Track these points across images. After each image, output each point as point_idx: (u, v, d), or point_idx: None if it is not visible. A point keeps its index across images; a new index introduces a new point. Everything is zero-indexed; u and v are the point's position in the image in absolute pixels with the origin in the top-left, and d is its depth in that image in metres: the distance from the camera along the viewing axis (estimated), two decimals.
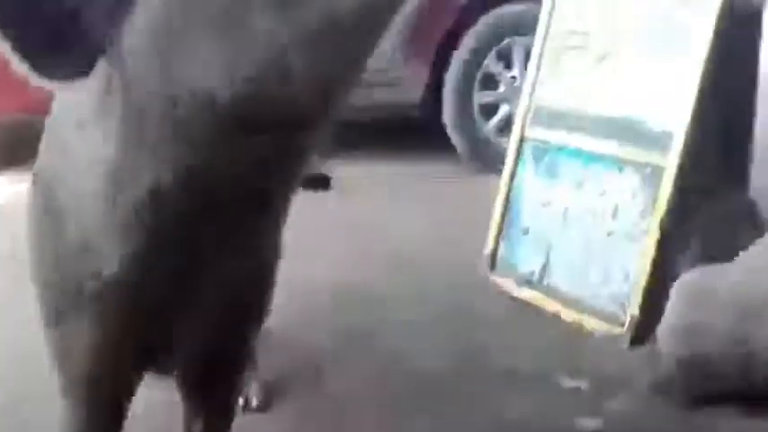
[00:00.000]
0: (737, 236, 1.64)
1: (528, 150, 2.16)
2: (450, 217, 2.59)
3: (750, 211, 1.83)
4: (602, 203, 1.91)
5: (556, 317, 1.94)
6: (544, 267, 2.03)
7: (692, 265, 1.62)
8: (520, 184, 2.15)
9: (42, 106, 0.99)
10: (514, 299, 2.06)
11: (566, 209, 2.00)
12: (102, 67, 0.74)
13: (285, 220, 0.92)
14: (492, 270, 2.16)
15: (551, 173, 2.07)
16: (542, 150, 2.11)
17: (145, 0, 0.71)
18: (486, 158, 3.11)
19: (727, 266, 1.47)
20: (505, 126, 3.08)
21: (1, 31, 0.70)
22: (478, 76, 3.21)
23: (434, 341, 1.85)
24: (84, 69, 0.74)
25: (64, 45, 0.73)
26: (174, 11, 0.71)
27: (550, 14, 2.16)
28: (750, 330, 1.34)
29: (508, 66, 3.20)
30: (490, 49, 3.16)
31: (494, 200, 2.22)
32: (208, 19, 0.69)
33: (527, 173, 2.14)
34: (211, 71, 0.69)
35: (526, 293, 2.04)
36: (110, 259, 0.85)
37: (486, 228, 2.21)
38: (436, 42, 3.19)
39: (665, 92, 1.81)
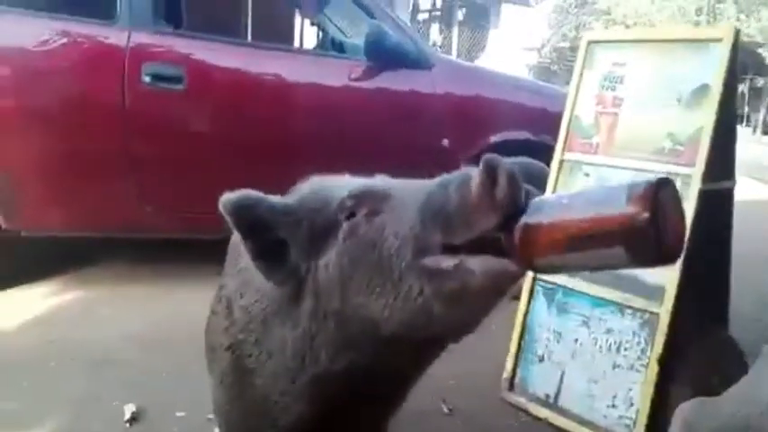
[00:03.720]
0: (723, 368, 2.04)
1: (540, 289, 2.53)
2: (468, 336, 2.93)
3: (732, 346, 2.26)
4: (608, 339, 2.28)
5: None
6: (558, 391, 2.38)
7: (687, 394, 2.01)
8: (534, 318, 2.51)
9: None
10: (530, 416, 2.39)
11: (576, 340, 2.38)
12: (297, 278, 1.07)
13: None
14: (510, 391, 2.49)
15: (562, 310, 2.43)
16: (552, 291, 2.49)
17: (334, 247, 1.03)
18: None
19: (719, 398, 1.86)
20: None
21: (242, 236, 1.06)
22: None
23: None
24: (285, 277, 1.08)
25: (273, 259, 1.07)
26: (349, 262, 1.00)
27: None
28: None
29: None
30: None
31: (501, 319, 2.57)
32: (370, 271, 0.96)
33: (540, 308, 2.50)
34: (376, 310, 0.96)
35: (541, 411, 2.38)
36: (286, 413, 1.16)
37: (499, 345, 2.55)
38: None
39: None
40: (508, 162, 0.84)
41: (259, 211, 1.05)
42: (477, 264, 0.86)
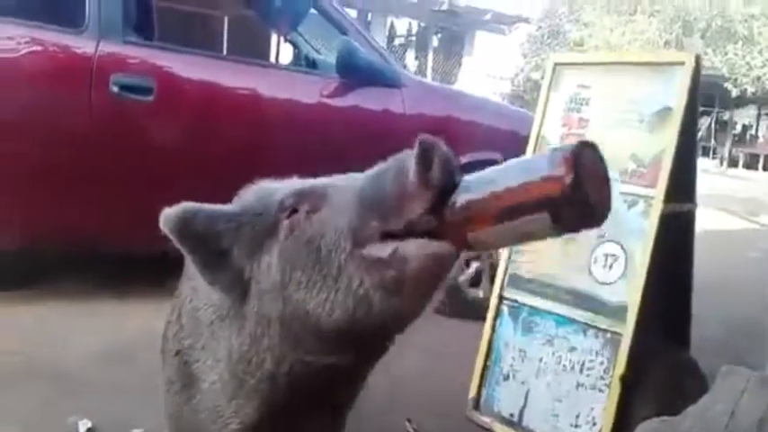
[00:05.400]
0: (685, 389, 2.05)
1: (506, 309, 2.53)
2: (433, 357, 2.93)
3: (694, 367, 2.28)
4: (572, 358, 2.29)
5: None
6: (522, 410, 2.37)
7: (648, 414, 2.01)
8: (500, 337, 2.51)
9: None
10: None
11: (540, 359, 2.38)
12: (241, 283, 1.06)
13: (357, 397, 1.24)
14: (475, 410, 2.48)
15: (527, 329, 2.44)
16: (518, 309, 2.49)
17: (275, 247, 1.02)
18: (457, 305, 3.49)
19: (678, 418, 1.86)
20: (476, 279, 3.58)
21: (184, 249, 1.05)
22: None
23: None
24: (230, 283, 1.07)
25: (217, 267, 1.06)
26: (289, 260, 0.99)
27: None
28: None
29: None
30: None
31: (466, 340, 2.59)
32: (310, 268, 0.96)
33: (506, 327, 2.50)
34: (317, 305, 0.95)
35: (506, 431, 2.36)
36: (236, 417, 1.15)
37: (464, 365, 2.55)
38: None
39: (620, 272, 2.27)
40: (443, 144, 0.85)
41: (199, 222, 1.05)
42: (412, 248, 0.86)
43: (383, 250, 0.88)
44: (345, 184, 1.01)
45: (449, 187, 0.85)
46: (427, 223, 0.85)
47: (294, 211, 1.01)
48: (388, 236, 0.88)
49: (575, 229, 0.83)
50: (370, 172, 0.97)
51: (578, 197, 0.77)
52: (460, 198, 0.85)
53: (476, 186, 0.85)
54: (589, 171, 0.79)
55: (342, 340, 0.99)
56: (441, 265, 0.89)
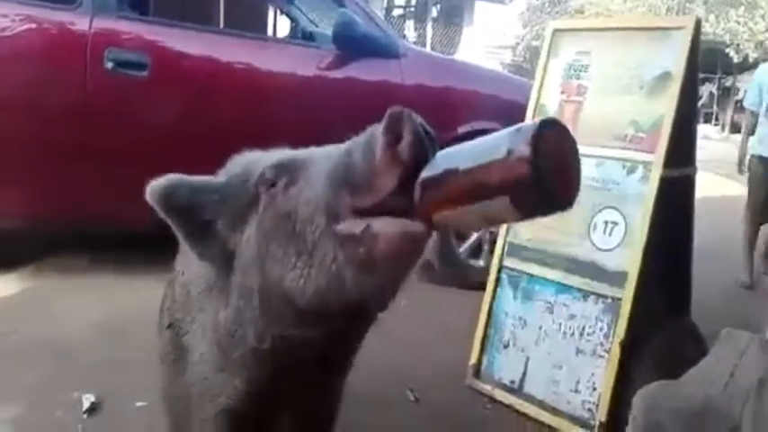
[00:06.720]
0: (685, 353, 2.07)
1: (505, 277, 2.54)
2: (434, 325, 2.96)
3: (694, 332, 2.29)
4: (571, 325, 2.30)
5: (534, 420, 2.30)
6: (523, 377, 2.39)
7: (649, 378, 2.03)
8: (500, 305, 2.52)
9: None
10: (496, 402, 2.40)
11: (540, 327, 2.39)
12: (226, 254, 1.07)
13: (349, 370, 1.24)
14: (476, 378, 2.50)
15: (527, 297, 2.45)
16: (518, 278, 2.50)
17: (255, 219, 1.03)
18: (458, 275, 3.57)
19: (678, 381, 1.88)
20: (476, 249, 3.60)
21: (170, 221, 1.06)
22: None
23: None
24: (216, 254, 1.08)
25: (203, 239, 1.08)
26: (266, 234, 1.00)
27: None
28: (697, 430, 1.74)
29: None
30: None
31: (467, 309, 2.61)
32: (285, 243, 0.95)
33: (506, 296, 2.51)
34: (293, 280, 0.95)
35: (507, 398, 2.39)
36: (224, 390, 1.16)
37: (464, 334, 2.58)
38: None
39: (620, 238, 2.27)
40: (414, 116, 0.81)
41: (182, 194, 1.06)
42: (382, 226, 0.83)
43: (356, 227, 0.85)
44: (323, 156, 0.98)
45: (419, 162, 0.80)
46: (399, 201, 0.82)
47: (273, 184, 1.01)
48: (362, 212, 0.85)
49: (537, 214, 0.76)
50: (346, 144, 0.93)
51: (538, 181, 0.70)
52: (426, 174, 0.79)
53: (441, 163, 0.79)
54: (552, 153, 0.72)
55: (319, 315, 0.98)
56: (411, 245, 0.85)
